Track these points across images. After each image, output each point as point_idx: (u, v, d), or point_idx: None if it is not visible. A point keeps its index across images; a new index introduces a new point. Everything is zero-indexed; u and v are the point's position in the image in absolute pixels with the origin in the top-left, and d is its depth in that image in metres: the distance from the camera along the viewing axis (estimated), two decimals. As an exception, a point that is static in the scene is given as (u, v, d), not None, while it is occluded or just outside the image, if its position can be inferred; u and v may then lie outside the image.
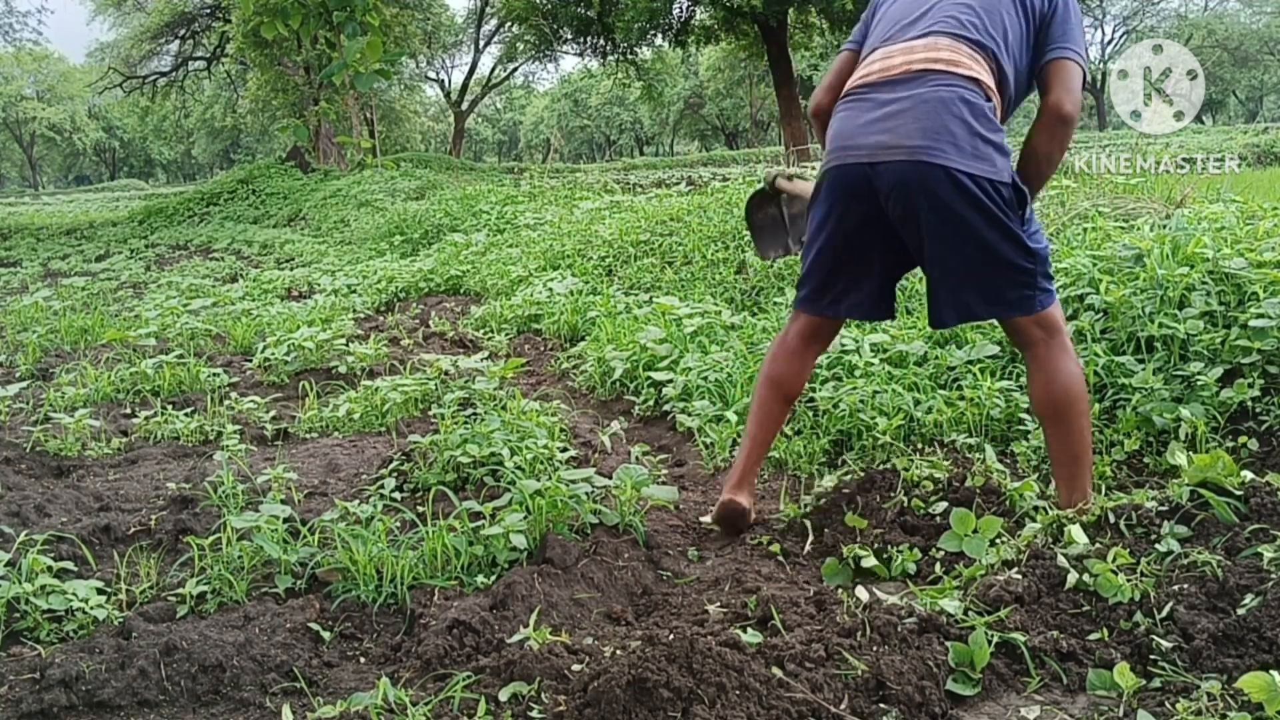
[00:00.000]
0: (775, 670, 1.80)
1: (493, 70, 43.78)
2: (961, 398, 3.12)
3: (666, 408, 3.92)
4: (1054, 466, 2.39)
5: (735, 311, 4.91)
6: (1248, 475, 2.23)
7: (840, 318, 2.57)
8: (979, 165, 2.18)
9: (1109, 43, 55.87)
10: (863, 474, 2.76)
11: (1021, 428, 2.97)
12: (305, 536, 2.49)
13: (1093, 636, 1.88)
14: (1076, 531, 2.15)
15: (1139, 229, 3.71)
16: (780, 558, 2.49)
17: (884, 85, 2.31)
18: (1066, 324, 2.39)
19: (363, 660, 2.08)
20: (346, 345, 5.17)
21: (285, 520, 2.53)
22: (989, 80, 2.26)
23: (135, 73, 34.03)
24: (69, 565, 2.40)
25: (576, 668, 1.90)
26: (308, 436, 3.88)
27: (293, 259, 11.48)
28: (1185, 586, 1.93)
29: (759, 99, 50.74)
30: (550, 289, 6.20)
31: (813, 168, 6.50)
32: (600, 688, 1.72)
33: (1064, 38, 2.29)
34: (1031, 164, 2.31)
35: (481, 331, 5.93)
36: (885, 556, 2.36)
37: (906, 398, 3.18)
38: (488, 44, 40.93)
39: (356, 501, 2.75)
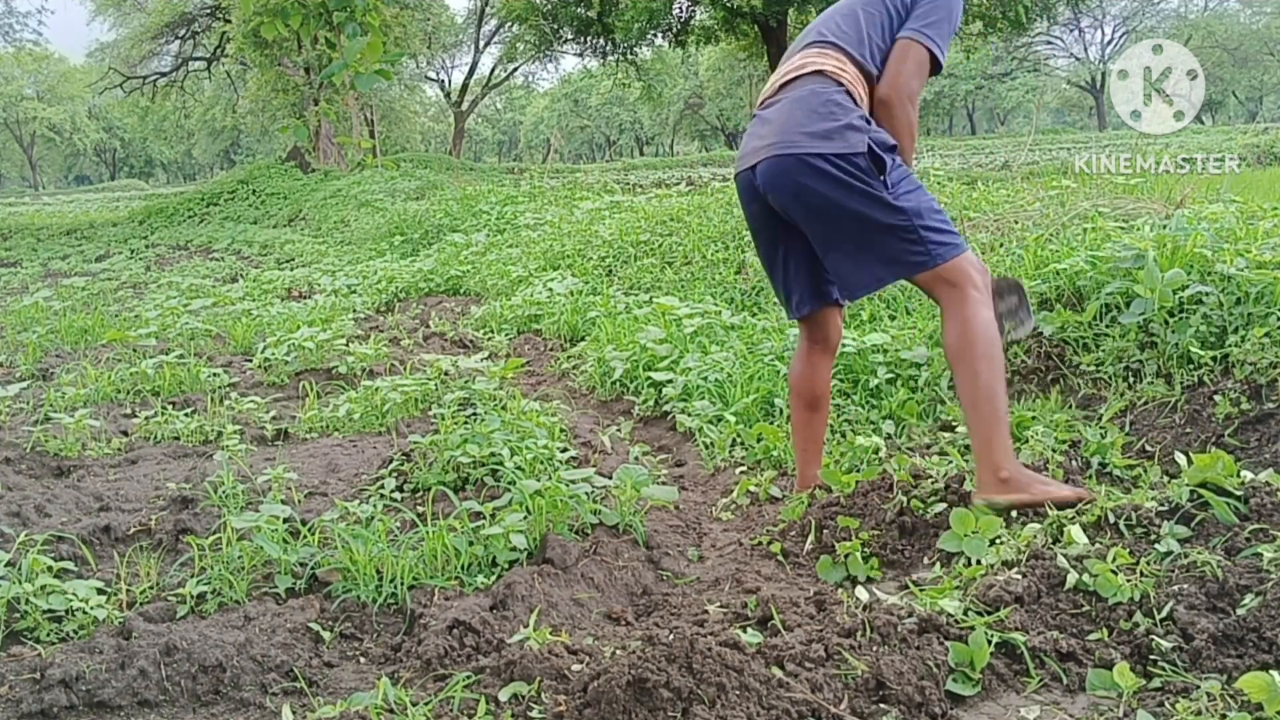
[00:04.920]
0: (775, 670, 1.80)
1: (493, 70, 43.73)
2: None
3: (666, 408, 3.91)
4: (965, 418, 2.40)
5: (735, 311, 4.91)
6: (1248, 475, 2.23)
7: (805, 316, 2.69)
8: (827, 145, 2.36)
9: (1109, 43, 55.89)
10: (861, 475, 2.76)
11: (1026, 430, 2.97)
12: (305, 536, 2.49)
13: (1093, 636, 1.88)
14: (1076, 531, 2.15)
15: (1139, 229, 3.71)
16: (780, 558, 2.49)
17: (768, 100, 2.58)
18: (983, 276, 2.44)
19: (363, 660, 2.08)
20: (346, 345, 5.17)
21: (285, 520, 2.53)
22: (841, 70, 2.45)
23: (135, 73, 33.99)
24: (69, 565, 2.40)
25: (576, 668, 1.90)
26: (308, 436, 3.88)
27: (293, 259, 11.49)
28: (1185, 587, 1.93)
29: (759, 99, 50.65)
30: (550, 289, 6.20)
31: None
32: (600, 688, 1.72)
33: (914, 21, 2.46)
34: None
35: (481, 332, 5.93)
36: (883, 556, 2.36)
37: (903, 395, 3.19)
38: (488, 44, 40.93)
39: (356, 501, 2.75)
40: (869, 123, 2.39)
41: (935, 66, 2.49)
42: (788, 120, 2.43)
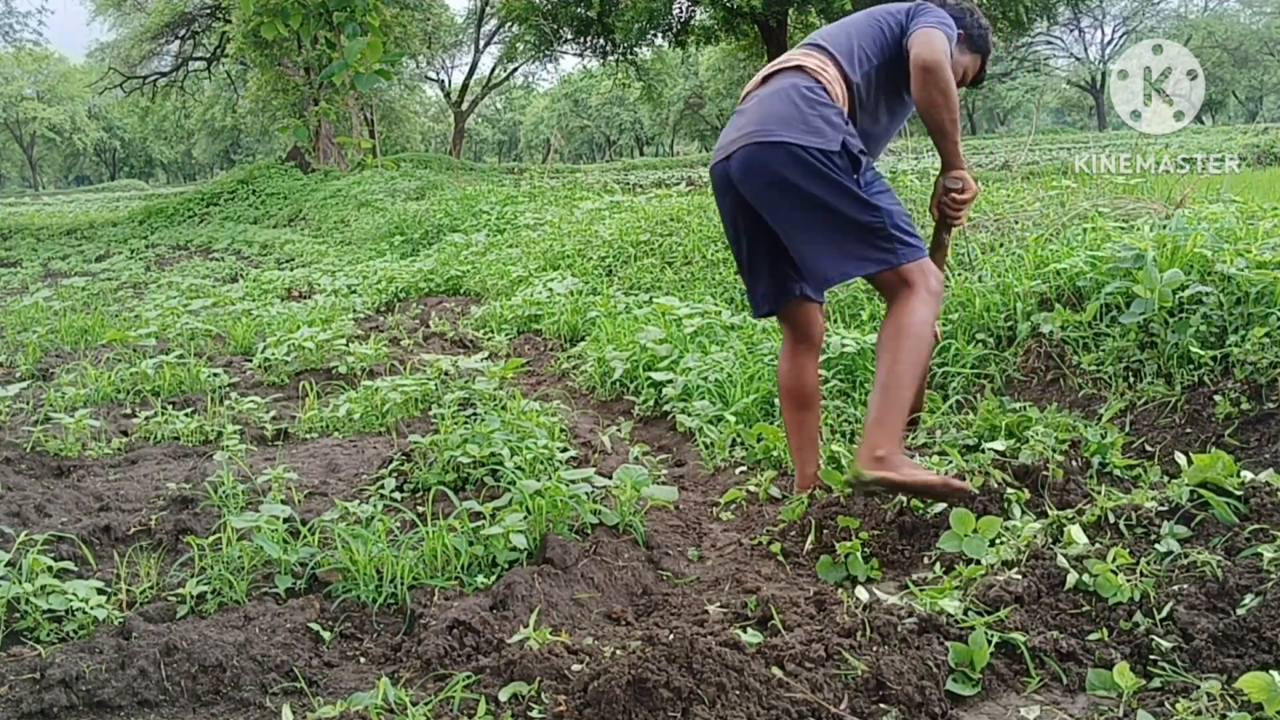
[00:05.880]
0: (775, 670, 1.80)
1: (493, 70, 43.72)
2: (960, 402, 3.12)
3: (666, 408, 3.91)
4: (871, 397, 2.43)
5: (735, 311, 4.91)
6: (1248, 475, 2.23)
7: (769, 313, 2.75)
8: (807, 138, 2.41)
9: (1109, 43, 55.89)
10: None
11: (1026, 430, 2.97)
12: (305, 536, 2.49)
13: (1093, 636, 1.88)
14: (1076, 531, 2.15)
15: (1139, 229, 3.71)
16: (780, 558, 2.49)
17: (746, 97, 2.65)
18: (939, 285, 2.50)
19: (363, 660, 2.08)
20: (346, 345, 5.17)
21: (285, 520, 2.53)
22: (821, 68, 2.52)
23: (135, 73, 33.98)
24: (69, 565, 2.40)
25: (576, 668, 1.90)
26: (308, 436, 3.88)
27: (293, 259, 11.49)
28: (1185, 586, 1.93)
29: (759, 99, 50.57)
30: (550, 289, 6.20)
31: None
32: (600, 688, 1.72)
33: (919, 24, 2.53)
34: (924, 119, 2.53)
35: (481, 332, 5.93)
36: (883, 556, 2.36)
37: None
38: (488, 44, 40.90)
39: (356, 501, 2.75)
40: (846, 122, 2.46)
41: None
42: (765, 111, 2.49)
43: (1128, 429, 2.85)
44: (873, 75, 2.58)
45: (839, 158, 2.41)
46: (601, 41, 25.93)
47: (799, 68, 2.55)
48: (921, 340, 2.41)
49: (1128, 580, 1.96)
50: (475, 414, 3.50)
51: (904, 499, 2.54)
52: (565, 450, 3.16)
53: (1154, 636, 1.83)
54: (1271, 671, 1.57)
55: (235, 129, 49.88)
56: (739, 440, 3.38)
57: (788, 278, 2.67)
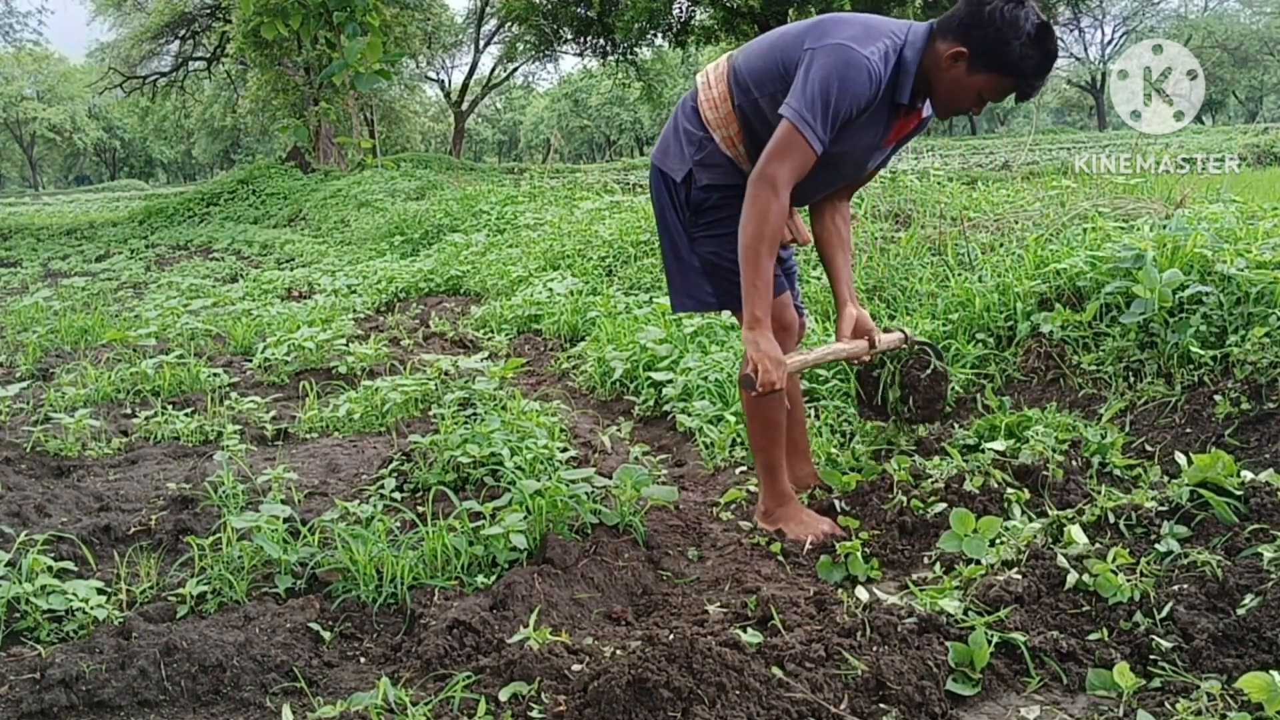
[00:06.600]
0: (775, 670, 1.80)
1: (493, 70, 43.72)
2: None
3: (666, 408, 3.91)
4: None
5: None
6: (1248, 475, 2.24)
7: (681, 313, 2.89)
8: (667, 162, 2.51)
9: (1109, 43, 55.88)
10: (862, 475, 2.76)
11: (1026, 430, 2.98)
12: (305, 536, 2.49)
13: (1093, 636, 1.88)
14: (1076, 531, 2.15)
15: (1139, 229, 3.71)
16: (780, 558, 2.49)
17: None
18: (780, 333, 2.48)
19: (363, 660, 2.08)
20: (347, 345, 5.17)
21: (285, 520, 2.53)
22: (707, 84, 2.45)
23: (135, 73, 34.01)
24: (69, 565, 2.40)
25: (576, 668, 1.90)
26: (308, 436, 3.88)
27: (293, 259, 11.48)
28: (1185, 586, 1.93)
29: (759, 99, 50.46)
30: (550, 289, 6.19)
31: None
32: (600, 688, 1.72)
33: (791, 94, 2.21)
34: None
35: (481, 332, 5.93)
36: (883, 556, 2.37)
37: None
38: (488, 44, 40.90)
39: (356, 501, 2.75)
40: (702, 149, 2.42)
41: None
42: (663, 129, 2.58)
43: (1128, 429, 2.85)
44: (780, 98, 2.27)
45: (679, 189, 2.46)
46: (601, 41, 25.96)
47: (695, 88, 2.47)
48: (754, 403, 2.53)
49: (1128, 580, 1.96)
50: (475, 414, 3.50)
51: (904, 499, 2.55)
52: (565, 450, 3.16)
53: (1154, 636, 1.83)
54: (1271, 671, 1.57)
55: (235, 129, 49.85)
56: (739, 440, 3.38)
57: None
